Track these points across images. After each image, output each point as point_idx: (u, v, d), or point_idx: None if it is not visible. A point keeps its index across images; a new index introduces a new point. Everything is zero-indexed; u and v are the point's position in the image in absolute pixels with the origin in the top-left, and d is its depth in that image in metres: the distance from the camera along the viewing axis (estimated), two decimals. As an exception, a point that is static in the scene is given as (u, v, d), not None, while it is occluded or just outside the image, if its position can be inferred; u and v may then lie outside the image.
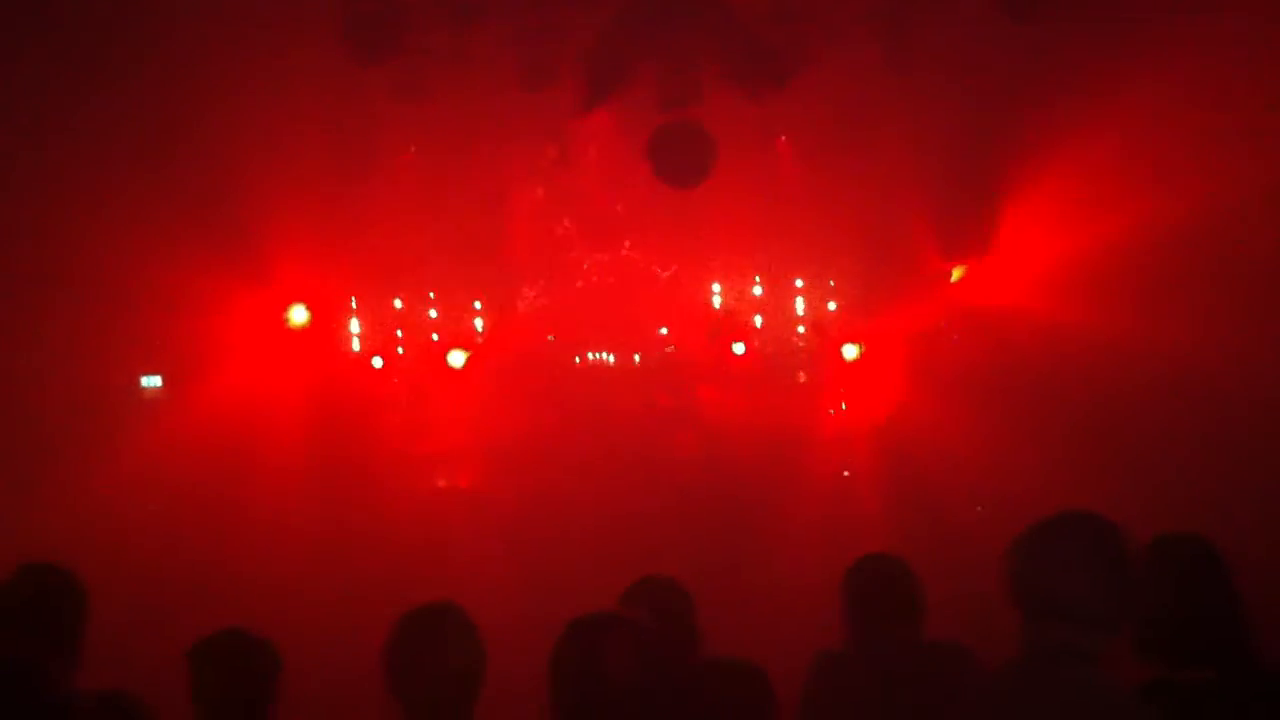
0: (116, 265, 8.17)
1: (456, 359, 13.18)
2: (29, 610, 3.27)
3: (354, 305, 13.66)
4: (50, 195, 7.89)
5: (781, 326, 15.16)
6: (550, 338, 13.90)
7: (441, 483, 11.34)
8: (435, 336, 14.35)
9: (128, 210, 8.08)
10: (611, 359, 14.56)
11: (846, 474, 10.57)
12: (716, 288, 14.95)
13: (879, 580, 3.54)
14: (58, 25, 7.76)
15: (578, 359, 14.19)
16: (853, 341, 12.37)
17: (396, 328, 14.11)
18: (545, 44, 8.97)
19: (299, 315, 10.91)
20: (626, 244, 14.46)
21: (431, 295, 14.54)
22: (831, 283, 14.70)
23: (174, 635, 3.37)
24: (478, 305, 14.62)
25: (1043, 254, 9.42)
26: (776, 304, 15.29)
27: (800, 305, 15.09)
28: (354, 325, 13.68)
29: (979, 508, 9.00)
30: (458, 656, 2.98)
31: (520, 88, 9.29)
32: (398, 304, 14.36)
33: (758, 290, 15.32)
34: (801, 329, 14.91)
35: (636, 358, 14.43)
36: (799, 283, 15.11)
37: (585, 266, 14.51)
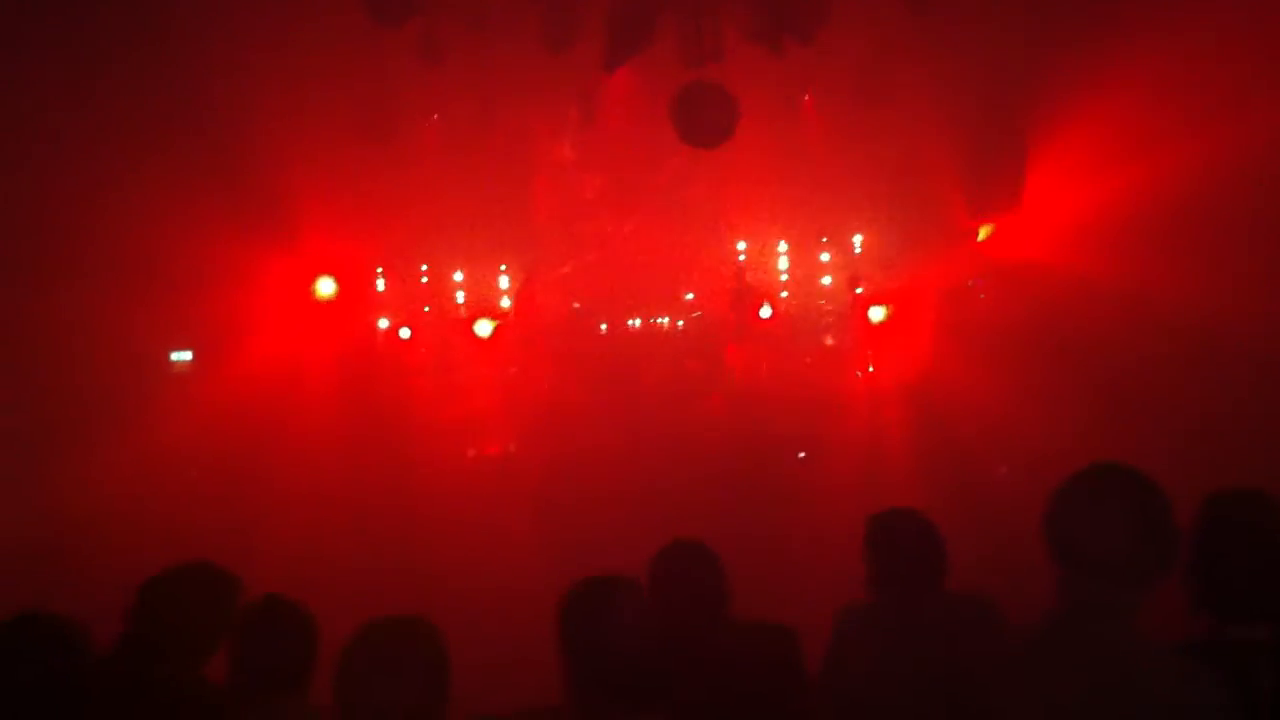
0: (144, 240, 8.22)
1: (483, 328, 13.24)
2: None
3: (380, 276, 13.75)
4: (78, 171, 7.94)
5: (807, 289, 15.11)
6: (575, 305, 13.93)
7: (471, 450, 11.40)
8: (461, 302, 14.43)
9: (156, 185, 8.12)
10: (637, 324, 14.58)
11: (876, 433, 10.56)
12: (742, 246, 14.91)
13: (902, 534, 3.55)
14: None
15: (603, 326, 14.21)
16: (879, 303, 12.31)
17: (423, 298, 14.19)
18: (567, 3, 8.90)
19: (326, 287, 10.97)
20: (650, 209, 14.42)
21: (458, 276, 14.61)
22: (858, 240, 14.60)
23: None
24: (503, 273, 14.67)
25: (1071, 208, 9.29)
26: (802, 267, 15.23)
27: (826, 268, 15.04)
28: (381, 296, 13.77)
29: (1004, 469, 8.94)
30: (415, 686, 2.73)
31: (542, 49, 9.23)
32: (424, 276, 14.45)
33: (783, 254, 15.28)
34: (828, 287, 14.87)
35: (664, 321, 14.44)
36: (824, 246, 15.04)
37: (610, 233, 14.49)
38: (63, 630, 2.91)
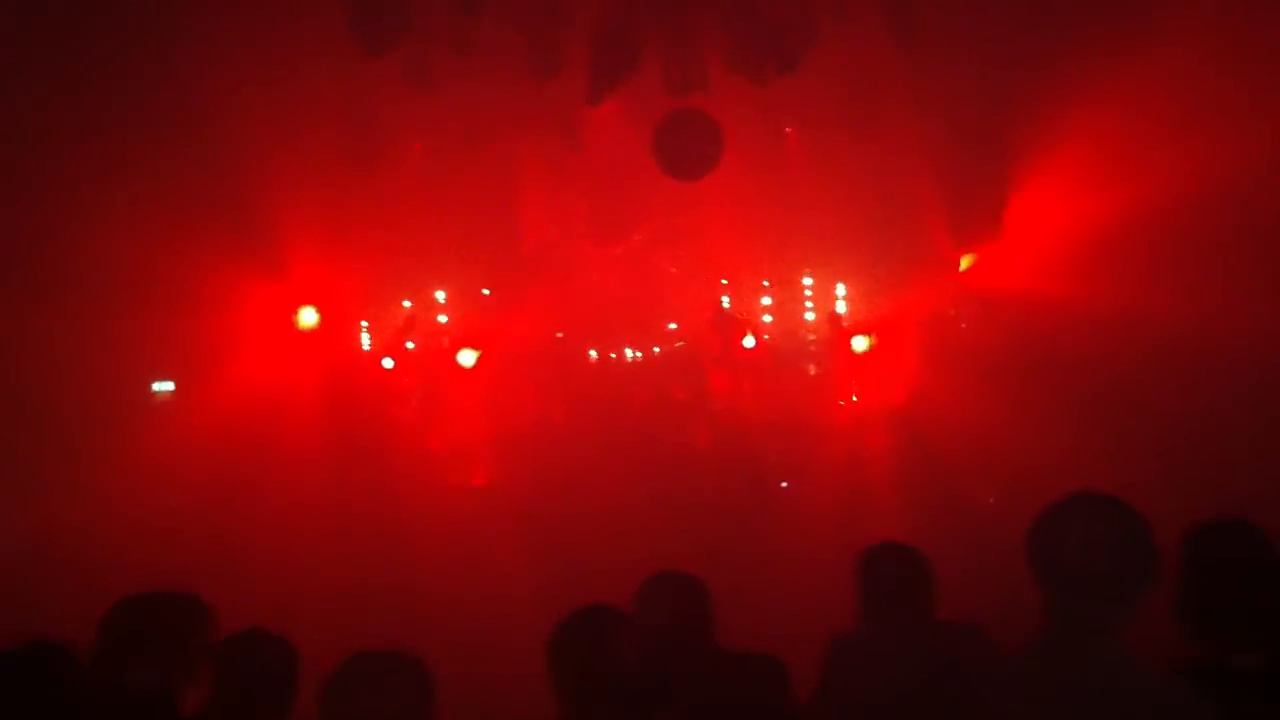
0: (127, 269, 8.19)
1: (467, 358, 13.20)
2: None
3: (363, 305, 13.70)
4: (56, 200, 7.91)
5: (791, 319, 15.15)
6: (559, 334, 13.91)
7: (455, 480, 11.35)
8: (445, 341, 14.38)
9: (136, 214, 8.09)
10: (630, 353, 14.58)
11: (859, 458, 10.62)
12: (725, 282, 14.94)
13: (892, 567, 3.58)
14: (62, 20, 7.75)
15: (594, 353, 14.22)
16: (863, 332, 12.35)
17: (406, 327, 14.13)
18: (552, 34, 8.96)
19: (308, 317, 10.94)
20: (634, 240, 14.47)
21: (441, 297, 14.59)
22: (840, 269, 14.66)
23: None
24: (487, 301, 14.64)
25: (1052, 236, 9.37)
26: (785, 297, 15.27)
27: (809, 297, 15.08)
28: (364, 325, 13.72)
29: (991, 499, 8.96)
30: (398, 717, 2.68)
31: (528, 79, 9.29)
32: (407, 304, 14.41)
33: (766, 283, 15.32)
34: (811, 318, 14.91)
35: (656, 350, 14.46)
36: (807, 276, 15.09)
37: (593, 263, 14.52)
38: (56, 658, 2.88)
